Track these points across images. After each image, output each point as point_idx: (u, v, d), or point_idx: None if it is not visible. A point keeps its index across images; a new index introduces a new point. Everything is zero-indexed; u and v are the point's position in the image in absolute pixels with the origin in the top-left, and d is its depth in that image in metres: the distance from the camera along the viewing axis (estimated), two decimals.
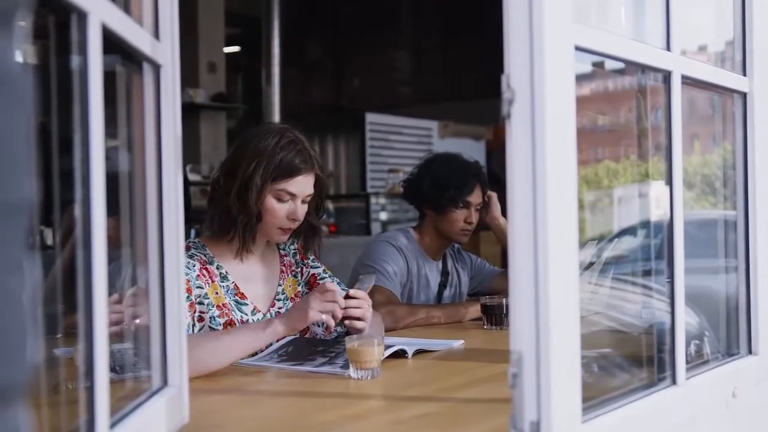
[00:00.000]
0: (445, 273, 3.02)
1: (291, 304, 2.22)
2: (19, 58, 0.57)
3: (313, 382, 1.79)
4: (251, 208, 2.07)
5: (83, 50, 0.95)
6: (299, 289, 2.28)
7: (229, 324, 2.06)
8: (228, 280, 2.12)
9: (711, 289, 1.85)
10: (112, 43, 1.05)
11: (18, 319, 0.55)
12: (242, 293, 2.14)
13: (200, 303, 2.04)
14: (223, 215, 2.11)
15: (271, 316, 2.16)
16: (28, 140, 0.56)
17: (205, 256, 2.12)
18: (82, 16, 0.95)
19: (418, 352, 2.08)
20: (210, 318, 2.05)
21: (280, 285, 2.24)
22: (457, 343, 2.26)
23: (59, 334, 1.16)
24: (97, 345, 0.96)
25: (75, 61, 0.96)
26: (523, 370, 1.10)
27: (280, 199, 2.10)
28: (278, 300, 2.22)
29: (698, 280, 1.60)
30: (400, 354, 2.02)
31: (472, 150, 6.52)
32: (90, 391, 0.95)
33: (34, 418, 0.63)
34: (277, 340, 2.05)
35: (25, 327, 0.55)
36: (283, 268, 2.27)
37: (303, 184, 2.11)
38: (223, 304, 2.08)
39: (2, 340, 0.54)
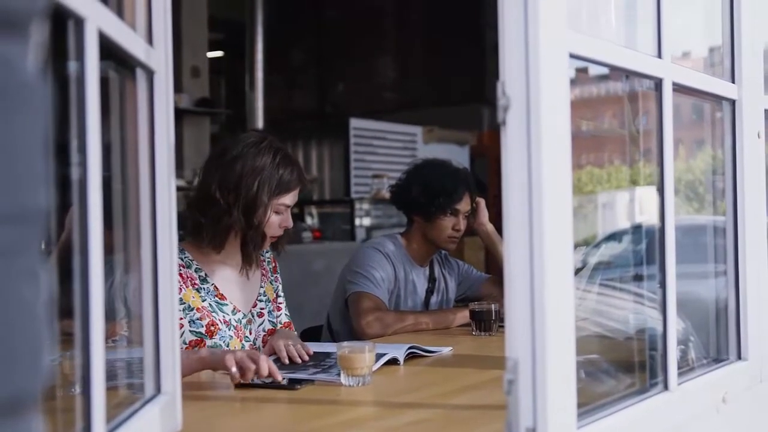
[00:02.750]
0: (432, 279, 3.02)
1: (272, 306, 2.32)
2: (34, 66, 0.57)
3: (305, 390, 1.78)
4: (260, 225, 2.14)
5: (80, 56, 0.95)
6: (274, 294, 2.37)
7: (211, 325, 2.11)
8: (208, 282, 2.18)
9: (697, 295, 1.85)
10: (106, 49, 1.05)
11: (33, 328, 0.54)
12: (222, 294, 2.19)
13: None
14: (223, 230, 2.14)
15: (252, 315, 2.25)
16: (45, 148, 0.56)
17: (182, 260, 2.15)
18: (79, 22, 0.94)
19: (410, 357, 2.09)
20: (190, 321, 2.09)
21: (262, 287, 2.32)
22: (446, 350, 2.26)
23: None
24: (94, 353, 0.95)
25: (71, 66, 0.96)
26: (519, 376, 1.10)
27: (278, 212, 2.19)
28: (260, 301, 2.30)
29: (684, 286, 1.60)
30: (391, 361, 2.02)
31: (457, 155, 6.51)
32: (86, 399, 0.94)
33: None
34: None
35: (40, 336, 0.54)
36: (264, 272, 2.35)
37: (296, 195, 2.23)
38: (203, 306, 2.13)
39: (17, 350, 0.53)
